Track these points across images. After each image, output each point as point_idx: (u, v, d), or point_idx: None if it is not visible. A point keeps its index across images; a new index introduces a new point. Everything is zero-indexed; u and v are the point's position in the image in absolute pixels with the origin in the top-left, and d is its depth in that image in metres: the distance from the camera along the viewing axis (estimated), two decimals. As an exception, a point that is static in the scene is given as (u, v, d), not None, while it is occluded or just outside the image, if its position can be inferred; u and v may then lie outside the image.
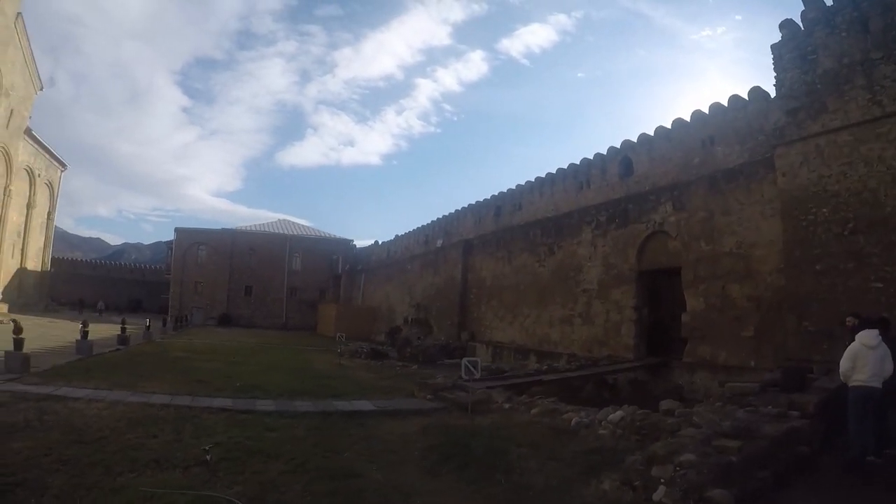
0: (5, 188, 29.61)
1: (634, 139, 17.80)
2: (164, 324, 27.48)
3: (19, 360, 10.68)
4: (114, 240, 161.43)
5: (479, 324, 24.48)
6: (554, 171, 21.76)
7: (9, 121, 28.48)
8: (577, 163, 20.36)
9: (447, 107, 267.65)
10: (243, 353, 18.33)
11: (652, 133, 17.04)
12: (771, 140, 12.38)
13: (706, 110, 15.26)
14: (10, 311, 27.38)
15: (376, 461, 5.99)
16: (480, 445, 6.26)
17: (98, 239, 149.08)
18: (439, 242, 31.10)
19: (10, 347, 10.84)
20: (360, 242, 50.31)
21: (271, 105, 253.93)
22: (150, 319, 23.53)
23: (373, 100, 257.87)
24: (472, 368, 7.23)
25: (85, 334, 14.77)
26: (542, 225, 21.01)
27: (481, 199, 27.77)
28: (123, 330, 18.62)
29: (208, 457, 5.29)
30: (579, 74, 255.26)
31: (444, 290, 28.13)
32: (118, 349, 16.80)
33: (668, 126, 16.47)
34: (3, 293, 29.79)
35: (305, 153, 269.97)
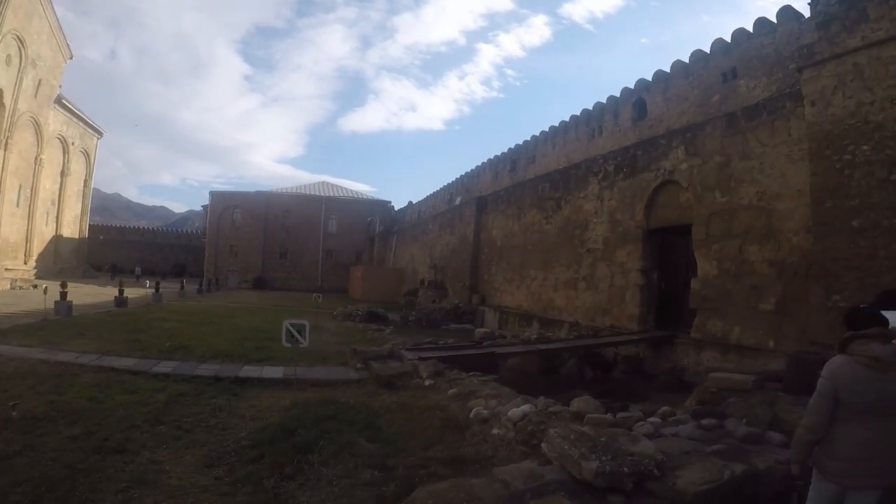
0: (36, 157, 29.88)
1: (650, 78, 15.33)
2: (182, 287, 27.57)
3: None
4: (178, 208, 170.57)
5: (490, 286, 22.91)
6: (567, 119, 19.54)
7: (37, 90, 28.63)
8: (591, 108, 18.06)
9: (510, 72, 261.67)
10: (228, 316, 17.85)
11: (668, 69, 14.53)
12: (799, 64, 9.88)
13: (728, 39, 12.64)
14: (41, 277, 28.36)
15: (182, 439, 5.04)
16: (308, 436, 5.01)
17: (163, 207, 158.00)
18: (458, 200, 29.42)
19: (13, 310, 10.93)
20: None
21: (332, 71, 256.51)
22: (160, 282, 23.61)
23: (434, 65, 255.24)
24: (295, 334, 5.81)
25: (63, 295, 14.87)
26: (550, 178, 18.88)
27: (499, 154, 25.78)
28: (121, 292, 18.82)
29: (14, 413, 5.31)
30: (643, 40, 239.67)
31: (458, 251, 26.60)
32: (108, 311, 16.78)
33: (687, 60, 13.92)
34: (37, 260, 30.71)
35: (367, 119, 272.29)
